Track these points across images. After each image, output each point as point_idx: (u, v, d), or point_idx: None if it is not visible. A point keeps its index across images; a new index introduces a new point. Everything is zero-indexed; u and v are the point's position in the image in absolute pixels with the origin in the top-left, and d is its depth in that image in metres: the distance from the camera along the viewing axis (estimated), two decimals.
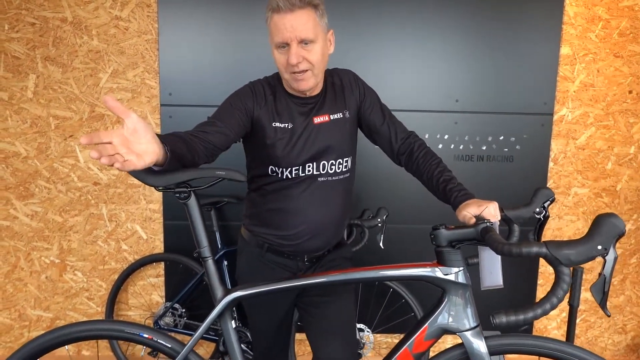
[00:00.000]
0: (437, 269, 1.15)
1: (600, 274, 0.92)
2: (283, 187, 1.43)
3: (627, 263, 2.60)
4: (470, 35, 2.36)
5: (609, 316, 1.13)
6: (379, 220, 2.09)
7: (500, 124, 2.43)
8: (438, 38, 2.36)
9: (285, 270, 1.50)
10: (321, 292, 1.49)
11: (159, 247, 2.48)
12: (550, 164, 2.49)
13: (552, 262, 0.88)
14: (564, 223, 2.55)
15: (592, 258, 0.87)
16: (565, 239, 2.56)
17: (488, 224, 1.08)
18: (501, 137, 2.44)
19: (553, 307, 0.89)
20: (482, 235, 1.06)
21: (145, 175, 1.18)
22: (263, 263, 1.50)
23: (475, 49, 2.37)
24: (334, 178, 1.45)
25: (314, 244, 1.47)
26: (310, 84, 1.35)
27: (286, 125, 1.39)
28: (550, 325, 2.64)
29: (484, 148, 2.45)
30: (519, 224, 1.14)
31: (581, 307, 2.63)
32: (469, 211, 1.17)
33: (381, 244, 2.08)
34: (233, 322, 1.27)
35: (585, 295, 2.60)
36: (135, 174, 1.17)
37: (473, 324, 1.15)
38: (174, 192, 1.21)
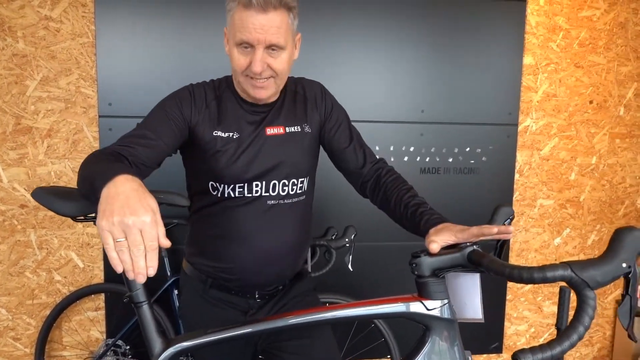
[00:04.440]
0: (419, 303, 0.96)
1: (624, 295, 0.79)
2: (225, 208, 1.22)
3: None
4: (435, 46, 2.27)
5: (635, 342, 1.00)
6: (346, 239, 1.93)
7: (466, 135, 2.35)
8: (403, 48, 2.25)
9: (233, 309, 1.27)
10: (295, 334, 1.27)
11: (98, 276, 2.19)
12: (516, 176, 2.44)
13: (578, 285, 0.76)
14: (531, 236, 2.50)
15: (618, 277, 0.77)
16: (532, 252, 2.51)
17: (475, 246, 0.93)
18: (467, 149, 2.36)
19: (581, 337, 0.76)
20: (471, 260, 0.92)
21: (54, 200, 0.93)
22: (207, 301, 1.27)
23: (441, 59, 2.29)
24: (286, 201, 1.24)
25: (262, 278, 1.25)
26: (270, 92, 1.17)
27: (230, 134, 1.19)
28: (520, 341, 2.56)
29: (450, 160, 2.36)
30: (479, 244, 0.99)
31: (549, 320, 2.58)
32: (441, 238, 0.95)
33: (350, 266, 1.91)
34: None
35: (553, 308, 2.55)
36: (41, 198, 0.93)
37: None
38: (94, 222, 0.98)
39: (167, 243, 0.79)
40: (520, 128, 2.41)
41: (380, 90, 2.26)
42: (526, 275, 0.79)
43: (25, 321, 2.18)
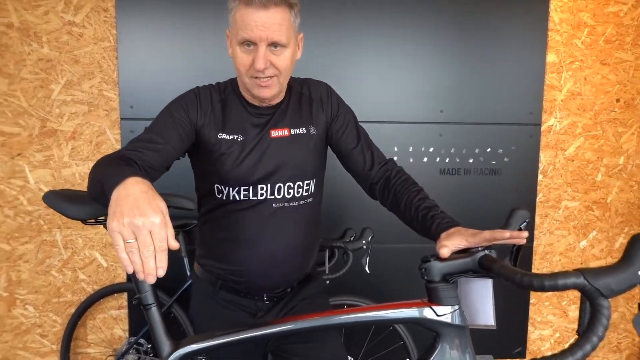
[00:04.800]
0: (428, 308, 0.94)
1: None
2: (231, 211, 1.22)
3: None
4: (454, 43, 2.24)
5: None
6: (363, 242, 1.92)
7: (486, 135, 2.31)
8: (421, 46, 2.22)
9: (242, 311, 1.28)
10: (303, 338, 1.27)
11: (121, 275, 2.24)
12: (540, 177, 2.38)
13: (591, 294, 0.73)
14: (555, 238, 2.43)
15: (634, 286, 0.74)
16: (556, 255, 2.44)
17: (487, 251, 0.91)
18: (488, 149, 2.31)
19: (594, 348, 0.74)
20: (482, 265, 0.89)
21: (64, 203, 0.94)
22: (217, 302, 1.28)
23: (460, 57, 2.25)
24: (291, 204, 1.23)
25: (269, 281, 1.25)
26: (274, 91, 1.17)
27: (235, 137, 1.19)
28: (544, 346, 2.50)
29: (471, 161, 2.32)
30: (495, 249, 0.97)
31: (574, 325, 2.51)
32: (452, 243, 0.93)
33: (367, 268, 1.90)
34: None
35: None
36: (51, 202, 0.95)
37: None
38: (104, 226, 0.98)
39: (175, 245, 0.80)
40: (543, 128, 2.35)
41: (398, 90, 2.24)
42: (537, 283, 0.76)
43: (52, 318, 2.24)
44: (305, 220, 1.27)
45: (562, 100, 2.34)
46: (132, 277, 1.00)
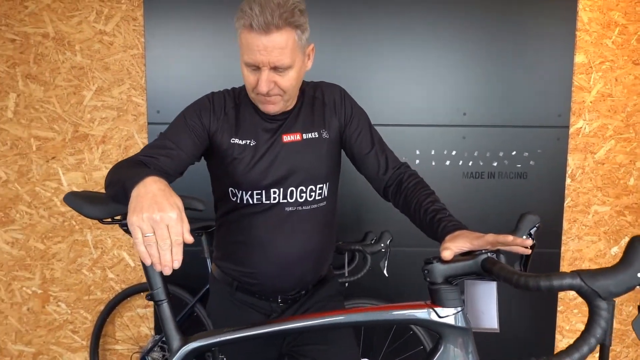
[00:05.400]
0: (431, 310, 0.95)
1: None
2: (245, 215, 1.24)
3: None
4: (478, 44, 2.21)
5: None
6: (382, 245, 1.92)
7: (511, 138, 2.26)
8: (443, 46, 2.21)
9: (257, 312, 1.30)
10: (315, 340, 1.27)
11: None
12: (568, 181, 2.31)
13: (588, 295, 0.73)
14: (584, 244, 2.36)
15: (632, 288, 0.74)
16: (586, 261, 2.36)
17: (489, 254, 0.91)
18: (513, 152, 2.27)
19: (592, 349, 0.73)
20: (484, 267, 0.89)
21: (83, 203, 1.00)
22: (233, 303, 1.31)
23: (484, 58, 2.22)
24: (304, 208, 1.25)
25: (283, 283, 1.27)
26: (278, 108, 1.19)
27: (247, 142, 1.21)
28: None
29: (495, 164, 2.27)
30: (504, 254, 0.96)
31: None
32: (456, 245, 0.93)
33: (385, 272, 1.90)
34: None
35: None
36: (71, 202, 1.01)
37: None
38: (120, 225, 1.04)
39: (190, 239, 0.85)
40: (571, 130, 2.28)
41: (420, 92, 2.23)
42: (532, 284, 0.76)
43: (83, 315, 2.33)
44: (319, 224, 1.28)
45: (591, 102, 2.27)
46: (145, 273, 1.05)
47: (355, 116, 1.29)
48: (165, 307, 1.05)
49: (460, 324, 0.94)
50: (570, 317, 2.40)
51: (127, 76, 2.19)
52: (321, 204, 1.28)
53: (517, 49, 2.22)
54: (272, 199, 1.23)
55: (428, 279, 0.95)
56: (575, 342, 0.74)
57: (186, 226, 0.85)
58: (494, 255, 0.91)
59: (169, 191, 0.88)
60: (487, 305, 0.99)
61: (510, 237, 0.88)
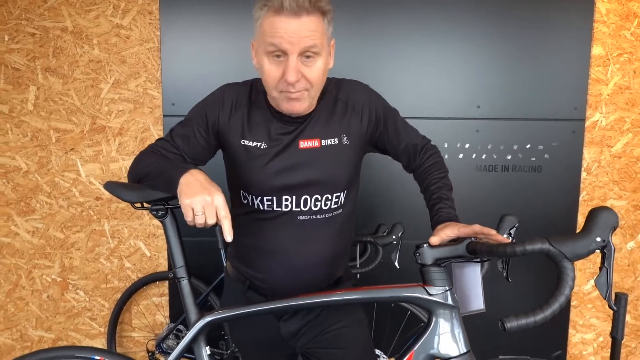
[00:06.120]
0: (422, 288, 1.07)
1: (601, 268, 0.87)
2: (256, 219, 1.20)
3: None
4: (492, 36, 2.19)
5: (614, 311, 1.12)
6: (393, 237, 1.92)
7: (526, 131, 2.24)
8: (457, 38, 2.19)
9: (268, 312, 1.27)
10: (329, 343, 1.25)
11: (163, 264, 2.36)
12: (583, 174, 2.28)
13: (556, 256, 0.85)
14: None
15: (593, 251, 0.86)
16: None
17: (473, 239, 1.03)
18: (528, 146, 2.25)
19: (562, 306, 0.84)
20: (469, 250, 1.01)
21: (121, 189, 1.12)
22: (246, 301, 1.29)
23: (498, 50, 2.20)
24: (319, 216, 1.18)
25: (295, 289, 1.20)
26: (305, 106, 1.11)
27: (258, 144, 1.15)
28: (587, 350, 2.41)
29: (509, 157, 2.26)
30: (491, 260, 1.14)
31: None
32: (445, 232, 1.06)
33: (396, 263, 1.91)
34: (207, 348, 1.18)
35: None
36: (110, 188, 1.12)
37: (464, 350, 1.06)
38: (150, 210, 1.13)
39: (229, 217, 0.98)
40: (587, 123, 2.25)
41: (433, 85, 2.22)
42: (509, 250, 0.88)
43: (100, 303, 2.39)
44: (333, 232, 1.22)
45: (608, 95, 2.24)
46: (169, 253, 1.17)
47: (383, 117, 1.24)
48: (186, 284, 1.16)
49: (449, 302, 1.06)
50: (584, 312, 2.38)
51: (143, 69, 2.23)
52: (337, 212, 1.21)
53: (532, 41, 2.19)
54: (283, 206, 1.17)
55: (419, 261, 1.08)
56: (547, 301, 0.84)
57: (227, 209, 0.98)
58: (476, 239, 1.04)
59: (211, 180, 1.01)
60: (473, 285, 1.10)
61: (493, 231, 0.99)
